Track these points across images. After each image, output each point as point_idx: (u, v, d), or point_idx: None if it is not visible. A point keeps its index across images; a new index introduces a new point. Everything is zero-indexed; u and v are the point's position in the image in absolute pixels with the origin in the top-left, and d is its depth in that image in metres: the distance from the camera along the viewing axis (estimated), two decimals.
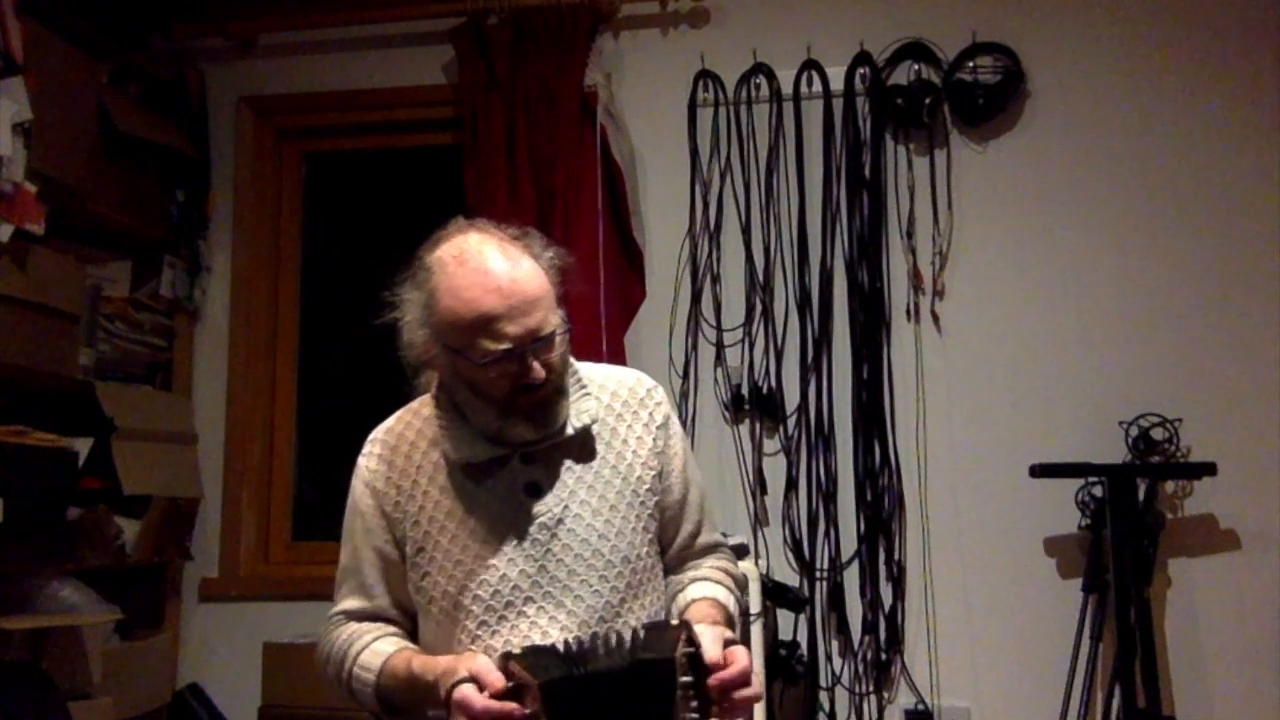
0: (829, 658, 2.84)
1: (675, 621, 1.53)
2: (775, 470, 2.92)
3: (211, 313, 3.24)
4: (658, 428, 1.65)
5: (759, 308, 2.95)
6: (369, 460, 1.63)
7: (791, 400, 2.91)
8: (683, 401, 2.94)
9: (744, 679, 1.37)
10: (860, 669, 2.82)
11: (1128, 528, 2.59)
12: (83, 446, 2.65)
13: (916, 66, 2.93)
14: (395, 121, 3.26)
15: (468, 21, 3.02)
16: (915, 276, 2.91)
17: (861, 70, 2.95)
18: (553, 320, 1.49)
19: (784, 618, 2.77)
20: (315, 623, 1.66)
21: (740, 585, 1.70)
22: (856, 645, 2.83)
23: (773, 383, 2.92)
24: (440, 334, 1.50)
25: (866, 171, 2.93)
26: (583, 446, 1.59)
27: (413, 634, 1.61)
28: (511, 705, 1.31)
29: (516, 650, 1.37)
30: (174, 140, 3.08)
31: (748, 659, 1.39)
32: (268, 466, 3.26)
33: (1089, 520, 2.73)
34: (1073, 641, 2.66)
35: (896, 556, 2.84)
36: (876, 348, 2.88)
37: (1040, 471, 2.66)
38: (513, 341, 1.45)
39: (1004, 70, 2.88)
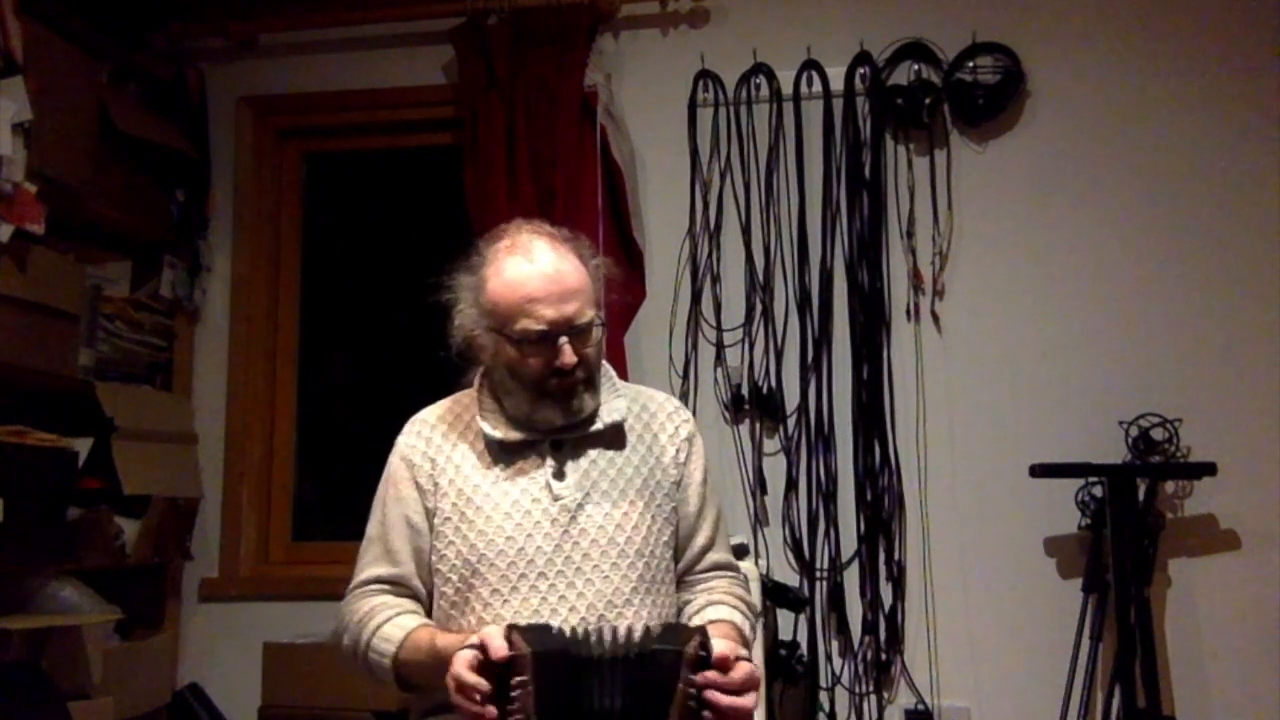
0: (829, 658, 2.84)
1: (693, 625, 1.56)
2: (775, 470, 2.92)
3: (211, 313, 3.24)
4: (683, 440, 1.74)
5: (759, 308, 2.95)
6: (408, 437, 1.72)
7: (791, 400, 2.92)
8: (683, 401, 2.93)
9: (740, 687, 1.38)
10: (860, 669, 2.82)
11: (1128, 528, 2.59)
12: (83, 446, 2.65)
13: (916, 66, 2.93)
14: (395, 121, 3.26)
15: (468, 21, 3.02)
16: (915, 276, 2.91)
17: (861, 70, 2.95)
18: (589, 312, 1.61)
19: (784, 618, 2.77)
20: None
21: (754, 612, 1.75)
22: (856, 645, 2.83)
23: (773, 383, 2.92)
24: (486, 314, 1.61)
25: (866, 171, 2.93)
26: (611, 443, 1.68)
27: (429, 611, 1.66)
28: (478, 680, 1.34)
29: (524, 625, 1.40)
30: (174, 140, 3.08)
31: (754, 672, 1.41)
32: (268, 466, 3.26)
33: (1089, 520, 2.73)
34: (1073, 641, 2.66)
35: (896, 556, 2.84)
36: (876, 348, 2.88)
37: (1040, 471, 2.66)
38: (549, 325, 1.57)
39: (1004, 70, 2.88)
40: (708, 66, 3.02)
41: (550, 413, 1.62)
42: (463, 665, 1.37)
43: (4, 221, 2.35)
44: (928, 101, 2.88)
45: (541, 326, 1.57)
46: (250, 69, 3.29)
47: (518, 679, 1.32)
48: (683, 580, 1.71)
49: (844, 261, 2.93)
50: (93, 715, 2.46)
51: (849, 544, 2.86)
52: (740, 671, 1.38)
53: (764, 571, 2.70)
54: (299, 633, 2.82)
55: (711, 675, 1.36)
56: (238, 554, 3.16)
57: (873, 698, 2.81)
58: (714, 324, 2.98)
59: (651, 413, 1.74)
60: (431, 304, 1.68)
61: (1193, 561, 2.74)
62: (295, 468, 3.30)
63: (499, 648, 1.35)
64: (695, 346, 2.98)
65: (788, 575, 2.87)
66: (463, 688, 1.36)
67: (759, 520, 2.90)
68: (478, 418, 1.68)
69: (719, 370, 2.97)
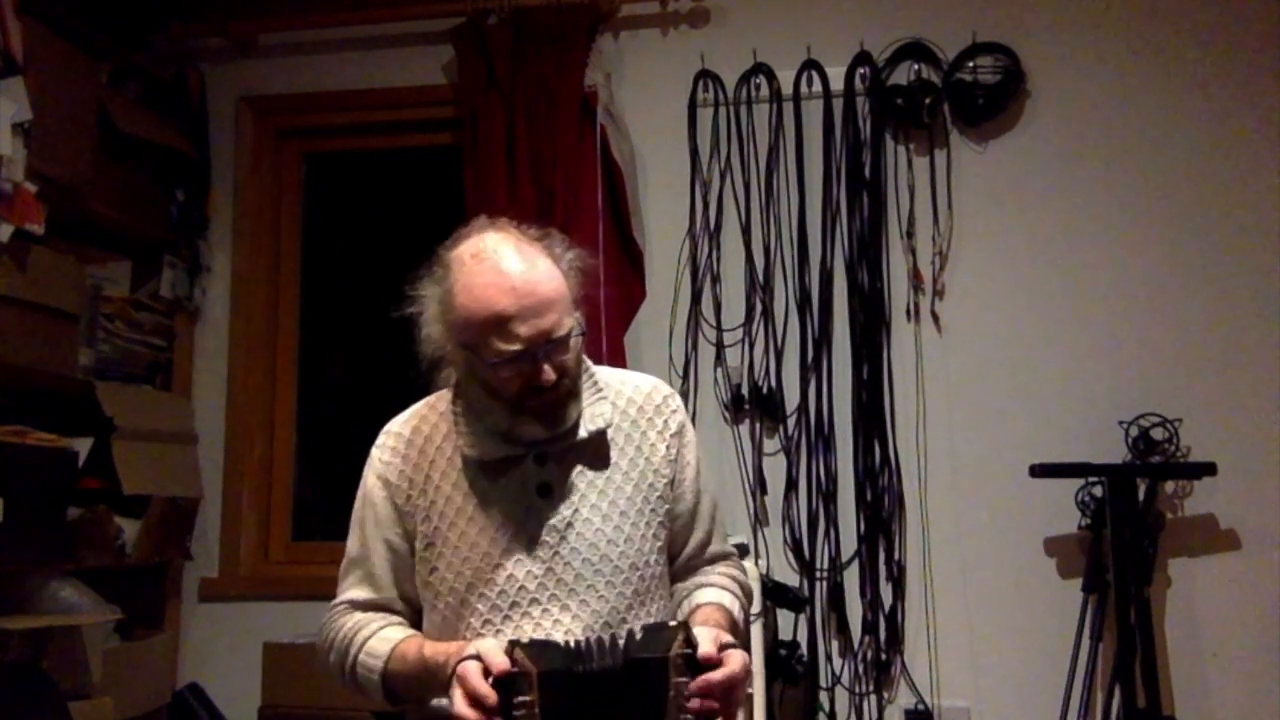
0: (829, 658, 2.84)
1: (674, 623, 1.53)
2: (775, 470, 2.92)
3: (211, 313, 3.24)
4: (672, 435, 1.66)
5: (759, 308, 2.95)
6: (383, 452, 1.62)
7: (791, 400, 2.91)
8: (683, 402, 2.93)
9: (729, 682, 1.36)
10: (860, 669, 2.82)
11: (1128, 528, 2.59)
12: (83, 446, 2.65)
13: (916, 66, 2.93)
14: (395, 121, 3.26)
15: (468, 21, 3.02)
16: (915, 276, 2.91)
17: (861, 70, 2.95)
18: (567, 323, 1.49)
19: (784, 618, 2.77)
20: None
21: (748, 593, 1.70)
22: (856, 645, 2.83)
23: (773, 383, 2.92)
24: (455, 331, 1.51)
25: (866, 171, 2.93)
26: (596, 451, 1.59)
27: (416, 627, 1.61)
28: (489, 690, 1.32)
29: (526, 641, 1.38)
30: (174, 140, 3.08)
31: (743, 663, 1.38)
32: (268, 466, 3.26)
33: (1089, 520, 2.73)
34: (1073, 641, 2.66)
35: (896, 556, 2.84)
36: (876, 348, 2.88)
37: (1040, 471, 2.66)
38: (524, 342, 1.45)
39: (1004, 70, 2.88)
40: (708, 66, 3.02)
41: (532, 427, 1.52)
42: (474, 675, 1.33)
43: (4, 221, 2.35)
44: (928, 101, 2.88)
45: (516, 346, 1.45)
46: (250, 69, 3.30)
47: (521, 698, 1.30)
48: (680, 575, 1.67)
49: (844, 261, 2.93)
50: (93, 715, 2.46)
51: (849, 544, 2.86)
52: (725, 669, 1.36)
53: (764, 571, 2.70)
54: (299, 633, 2.82)
55: (700, 681, 1.34)
56: (237, 554, 3.16)
57: (873, 698, 2.81)
58: (714, 324, 2.98)
59: (639, 407, 1.65)
60: (402, 318, 1.58)
61: (1193, 561, 2.74)
62: (295, 468, 3.30)
63: (500, 663, 1.33)
64: (695, 346, 2.98)
65: (788, 575, 2.87)
66: (473, 697, 1.32)
67: (759, 520, 2.90)
68: (455, 433, 1.58)
69: (719, 370, 2.97)
